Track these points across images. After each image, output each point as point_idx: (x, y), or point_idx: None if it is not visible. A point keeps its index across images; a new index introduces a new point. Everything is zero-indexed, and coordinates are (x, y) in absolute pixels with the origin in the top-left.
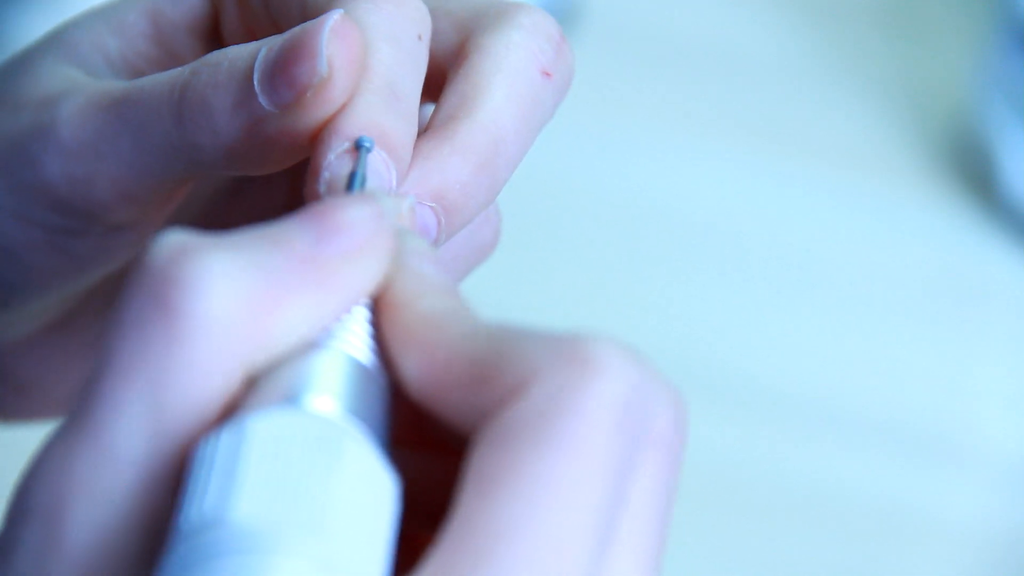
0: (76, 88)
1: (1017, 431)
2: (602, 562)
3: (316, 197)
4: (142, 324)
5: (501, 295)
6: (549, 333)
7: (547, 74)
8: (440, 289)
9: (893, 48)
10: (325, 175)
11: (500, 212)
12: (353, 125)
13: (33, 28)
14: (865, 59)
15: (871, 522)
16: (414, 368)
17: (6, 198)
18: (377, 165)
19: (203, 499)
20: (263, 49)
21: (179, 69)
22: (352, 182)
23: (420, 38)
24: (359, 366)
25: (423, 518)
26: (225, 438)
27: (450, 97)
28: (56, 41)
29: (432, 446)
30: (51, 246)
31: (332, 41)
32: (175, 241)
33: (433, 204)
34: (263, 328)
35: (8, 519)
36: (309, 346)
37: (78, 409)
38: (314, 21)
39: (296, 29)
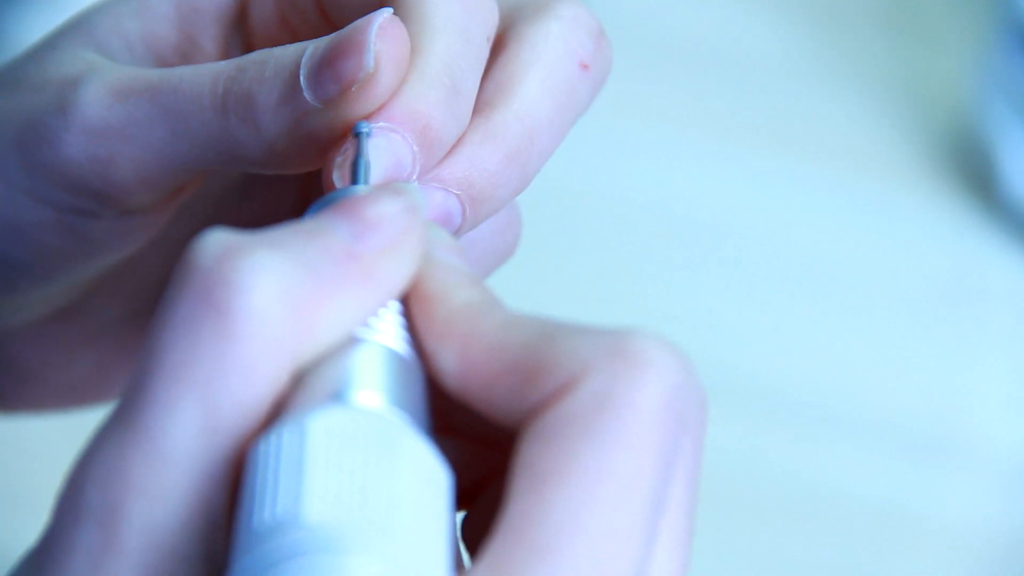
0: (99, 69)
1: (1017, 431)
2: (651, 551)
3: (331, 186)
4: (193, 324)
5: (502, 295)
6: (594, 329)
7: (585, 66)
8: (472, 281)
9: (893, 48)
10: (337, 160)
11: (521, 215)
12: (396, 111)
13: (33, 28)
14: (866, 59)
15: (871, 522)
16: (452, 361)
17: (20, 176)
18: (401, 152)
19: (274, 501)
20: (310, 47)
21: (220, 63)
22: (356, 170)
23: (488, 40)
24: (401, 359)
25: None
26: (287, 438)
27: (487, 85)
28: (76, 25)
29: (461, 434)
30: (62, 227)
31: (380, 38)
32: (221, 239)
33: (459, 192)
34: (309, 324)
35: (58, 520)
36: (351, 341)
37: (128, 409)
38: (363, 18)
39: (346, 27)
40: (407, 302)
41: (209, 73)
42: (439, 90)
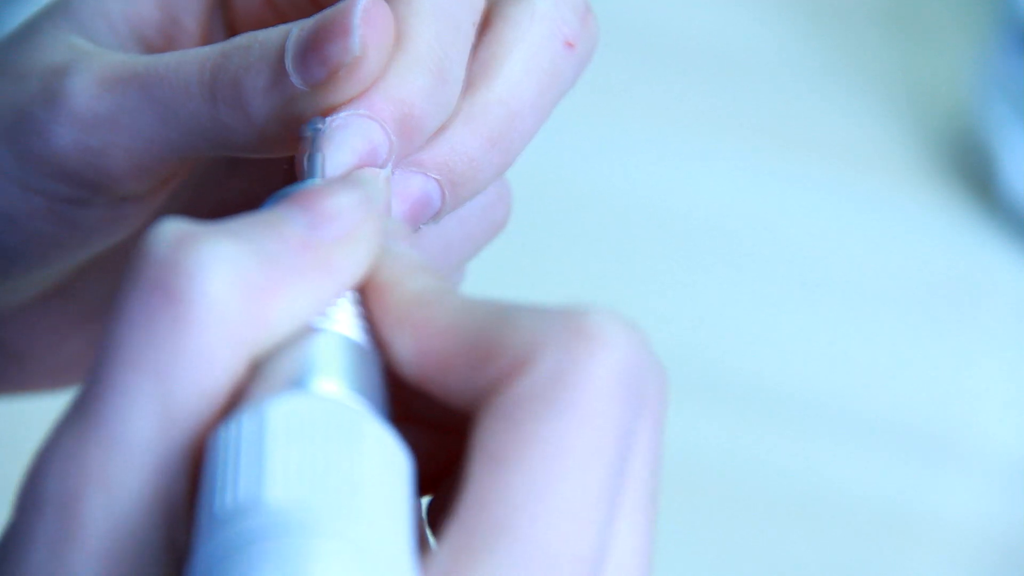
0: (85, 57)
1: (1017, 431)
2: (611, 527)
3: (302, 175)
4: (147, 312)
5: (499, 292)
6: (547, 308)
7: (570, 45)
8: (425, 269)
9: (893, 48)
10: (305, 154)
11: (511, 189)
12: (377, 98)
13: None
14: (866, 59)
15: (871, 522)
16: (408, 348)
17: (11, 165)
18: (377, 139)
19: (235, 485)
20: (294, 29)
21: (205, 49)
22: (312, 163)
23: (474, 25)
24: (357, 347)
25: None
26: (246, 423)
27: (469, 65)
28: (59, 8)
29: (421, 422)
30: (55, 215)
31: (365, 21)
32: (175, 229)
33: (439, 176)
34: (265, 313)
35: (18, 511)
36: (308, 330)
37: (85, 398)
38: (348, 1)
39: (329, 9)
40: (363, 291)
41: (195, 60)
42: (424, 77)
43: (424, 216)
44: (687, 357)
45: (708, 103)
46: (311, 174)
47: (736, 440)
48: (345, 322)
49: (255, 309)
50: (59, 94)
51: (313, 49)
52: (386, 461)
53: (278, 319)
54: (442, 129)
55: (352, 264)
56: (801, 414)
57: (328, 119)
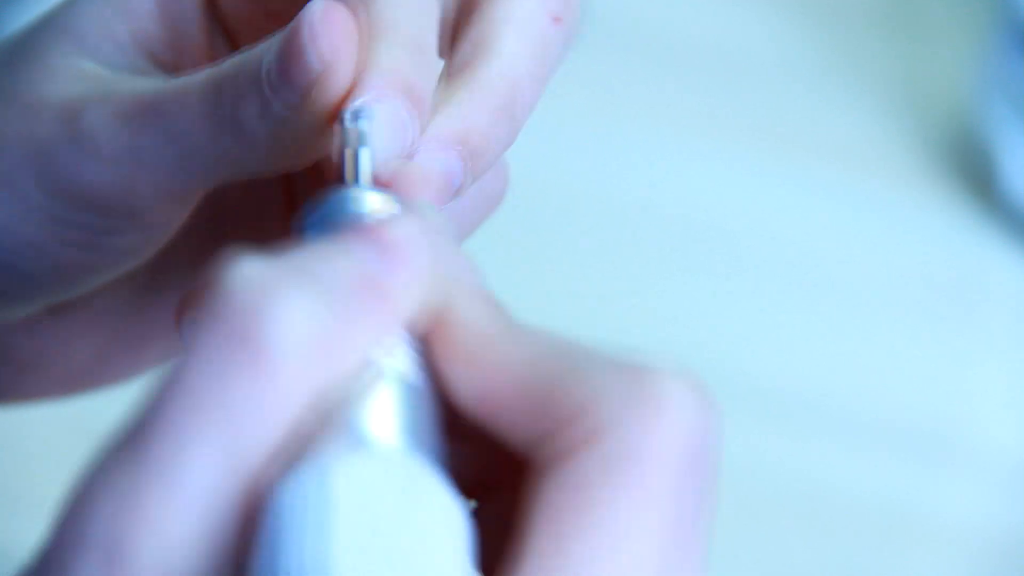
0: (99, 90)
1: (1017, 431)
2: None
3: (339, 180)
4: (223, 359)
5: (500, 295)
6: (612, 358)
7: (557, 19)
8: (490, 302)
9: (893, 48)
10: (336, 151)
11: (508, 164)
12: (381, 79)
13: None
14: (865, 59)
15: (871, 522)
16: (470, 388)
17: (41, 199)
18: (401, 117)
19: (300, 552)
20: (266, 56)
21: (202, 76)
22: (357, 162)
23: None
24: (416, 389)
25: None
26: (310, 485)
27: (464, 45)
28: (61, 30)
29: (464, 438)
30: (85, 243)
31: (317, 35)
32: (255, 272)
33: (459, 148)
34: (334, 359)
35: (57, 548)
36: (368, 372)
37: (142, 437)
38: (297, 17)
39: (287, 27)
40: (424, 322)
41: (196, 93)
42: (408, 50)
43: (450, 193)
44: (687, 357)
45: (708, 103)
46: (356, 173)
47: (736, 440)
48: (404, 359)
49: (327, 359)
50: (79, 133)
51: (280, 74)
52: (447, 525)
53: (344, 363)
54: (450, 105)
55: (415, 300)
56: (801, 414)
57: (350, 111)
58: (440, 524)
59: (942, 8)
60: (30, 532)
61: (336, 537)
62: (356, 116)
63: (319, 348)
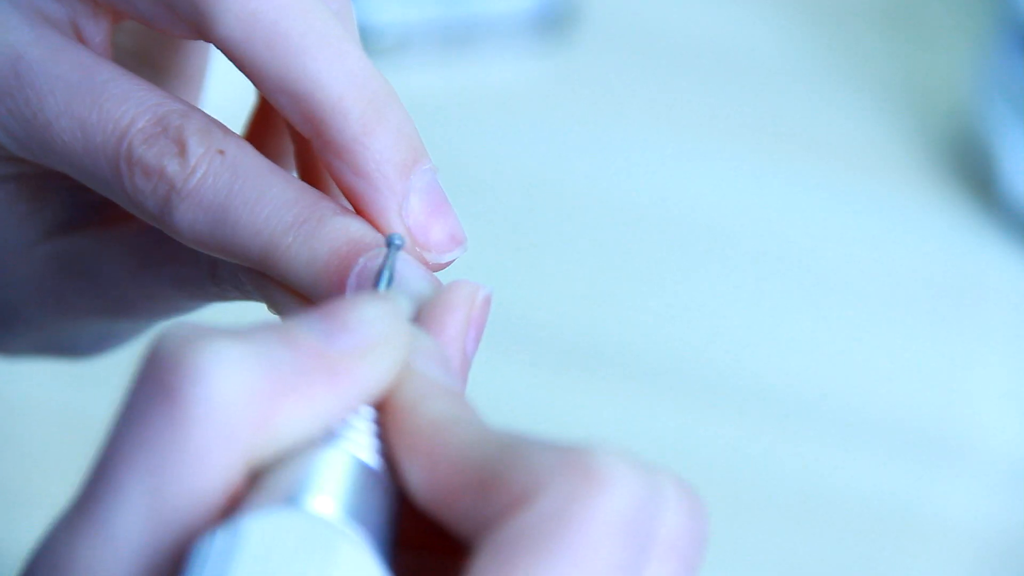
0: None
1: (1017, 431)
2: None
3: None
4: (146, 409)
5: (500, 295)
6: (554, 443)
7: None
8: (446, 393)
9: (893, 48)
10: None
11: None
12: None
13: None
14: (865, 59)
15: (871, 522)
16: (418, 474)
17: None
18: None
19: None
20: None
21: None
22: (379, 278)
23: None
24: (363, 467)
25: None
26: (220, 539)
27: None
28: None
29: (439, 547)
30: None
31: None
32: (184, 331)
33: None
34: (268, 421)
35: None
36: (315, 443)
37: (84, 490)
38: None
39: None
40: (382, 408)
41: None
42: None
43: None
44: (687, 357)
45: (708, 103)
46: (376, 287)
47: (736, 440)
48: (359, 441)
49: (258, 415)
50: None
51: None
52: None
53: (284, 427)
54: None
55: (368, 379)
56: (801, 414)
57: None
58: None
59: (942, 8)
60: (30, 532)
61: None
62: (393, 241)
63: (249, 404)
